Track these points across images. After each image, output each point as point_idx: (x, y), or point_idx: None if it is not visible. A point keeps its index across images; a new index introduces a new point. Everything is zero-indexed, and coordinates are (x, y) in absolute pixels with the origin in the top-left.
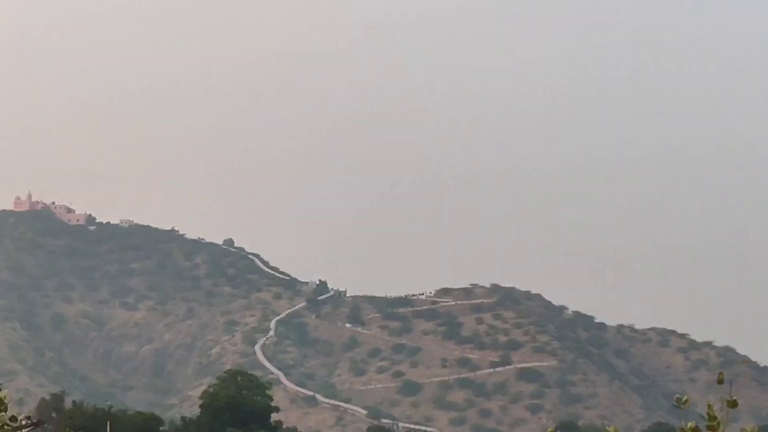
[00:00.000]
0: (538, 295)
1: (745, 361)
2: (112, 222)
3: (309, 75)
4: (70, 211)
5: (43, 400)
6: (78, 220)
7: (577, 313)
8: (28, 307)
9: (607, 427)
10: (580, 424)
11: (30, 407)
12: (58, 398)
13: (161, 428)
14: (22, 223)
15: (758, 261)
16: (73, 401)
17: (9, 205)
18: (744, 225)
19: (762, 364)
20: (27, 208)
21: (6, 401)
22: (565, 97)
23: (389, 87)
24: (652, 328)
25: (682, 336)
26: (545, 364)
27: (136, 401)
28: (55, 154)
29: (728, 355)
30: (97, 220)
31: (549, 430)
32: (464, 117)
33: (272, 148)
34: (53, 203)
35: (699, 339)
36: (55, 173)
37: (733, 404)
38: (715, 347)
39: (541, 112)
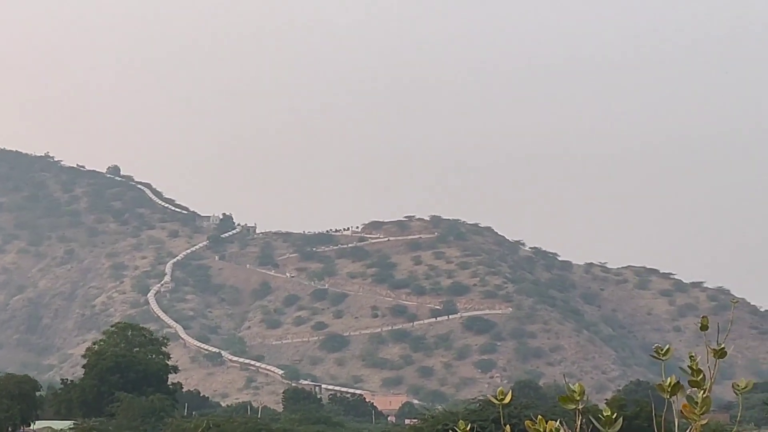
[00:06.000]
0: (489, 229)
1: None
2: None
3: None
4: None
5: None
6: None
7: (536, 250)
8: None
9: (572, 386)
10: (540, 383)
11: None
12: None
13: (37, 393)
14: None
15: (761, 183)
16: None
17: None
18: (746, 141)
19: (762, 308)
20: None
21: None
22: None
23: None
24: (629, 267)
25: (666, 276)
26: (498, 311)
27: (6, 361)
28: None
29: (721, 299)
30: None
31: (499, 390)
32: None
33: (166, 57)
34: None
35: (686, 279)
36: None
37: (720, 354)
38: (707, 289)
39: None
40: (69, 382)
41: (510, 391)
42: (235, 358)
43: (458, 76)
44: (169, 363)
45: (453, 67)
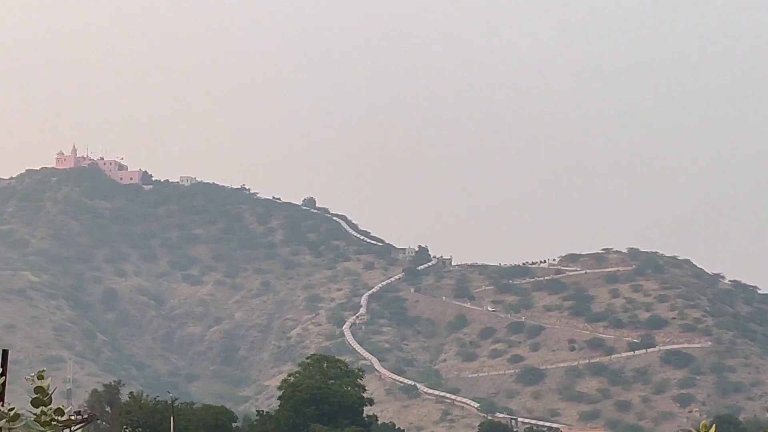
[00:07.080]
0: (687, 261)
1: None
2: (171, 180)
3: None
4: (121, 167)
5: (94, 391)
6: (131, 179)
7: (735, 283)
8: (74, 282)
9: None
10: (741, 417)
11: (80, 400)
12: (112, 389)
13: (234, 424)
14: (66, 183)
15: None
16: (130, 393)
17: (51, 162)
18: None
19: None
20: (71, 165)
21: (49, 391)
22: None
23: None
24: None
25: None
26: (697, 345)
27: (203, 392)
28: (103, 100)
29: None
30: (154, 178)
31: (702, 424)
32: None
33: (357, 93)
34: (102, 159)
35: None
36: (105, 123)
37: None
38: None
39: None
40: (264, 413)
41: (713, 425)
42: (430, 391)
43: (650, 108)
44: (365, 395)
45: (649, 98)
